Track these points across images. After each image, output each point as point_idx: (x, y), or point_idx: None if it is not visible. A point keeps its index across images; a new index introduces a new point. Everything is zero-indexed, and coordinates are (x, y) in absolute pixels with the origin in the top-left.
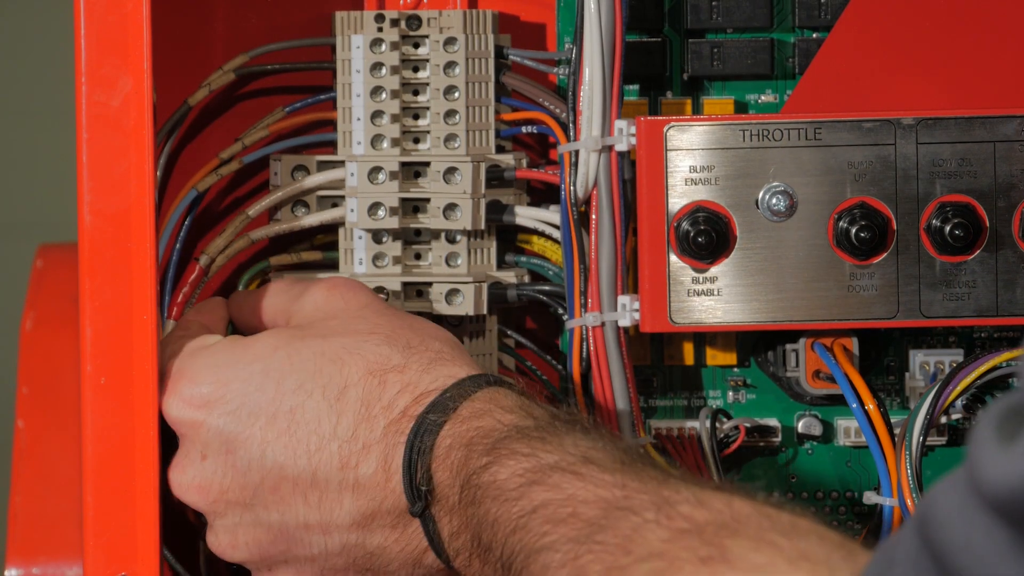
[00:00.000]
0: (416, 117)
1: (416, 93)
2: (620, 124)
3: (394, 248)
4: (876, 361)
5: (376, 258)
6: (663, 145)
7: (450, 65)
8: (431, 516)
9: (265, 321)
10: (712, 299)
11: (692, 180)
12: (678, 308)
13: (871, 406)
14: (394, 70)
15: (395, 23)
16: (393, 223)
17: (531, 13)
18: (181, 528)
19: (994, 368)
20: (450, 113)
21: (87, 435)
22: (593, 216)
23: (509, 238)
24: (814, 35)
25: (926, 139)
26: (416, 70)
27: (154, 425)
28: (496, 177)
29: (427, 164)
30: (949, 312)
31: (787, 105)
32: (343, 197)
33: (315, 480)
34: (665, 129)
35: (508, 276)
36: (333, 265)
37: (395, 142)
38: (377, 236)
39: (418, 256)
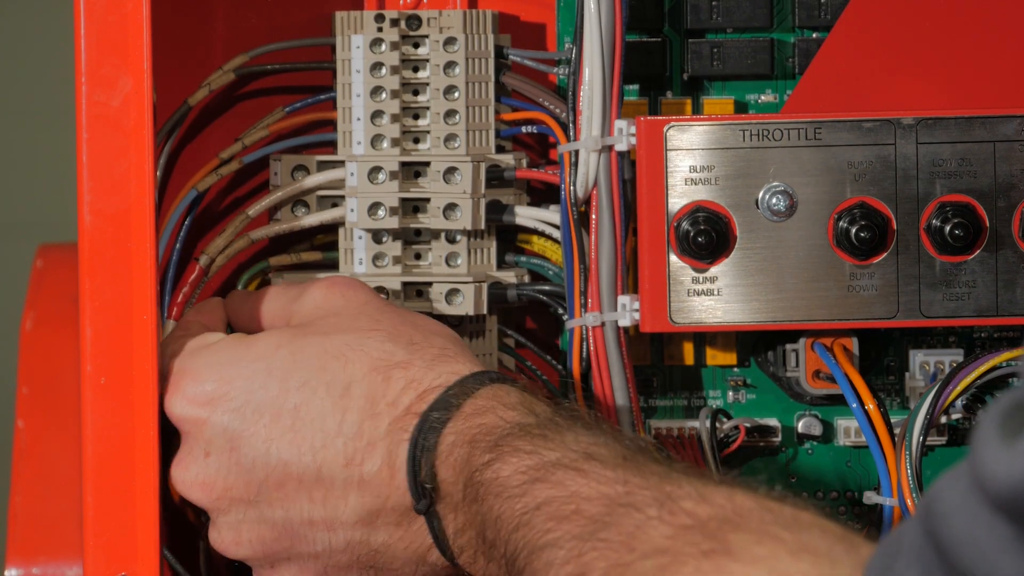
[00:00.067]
0: (416, 117)
1: (416, 93)
2: (620, 124)
3: (394, 248)
4: (876, 361)
5: (376, 258)
6: (663, 145)
7: (450, 65)
8: (435, 513)
9: (264, 325)
10: (712, 299)
11: (692, 180)
12: (678, 308)
13: (871, 406)
14: (394, 70)
15: (395, 23)
16: (393, 223)
17: (531, 13)
18: (181, 528)
19: (994, 368)
20: (450, 113)
21: (87, 435)
22: (593, 216)
23: (509, 238)
24: (814, 35)
25: (926, 139)
26: (416, 70)
27: (154, 425)
28: (496, 177)
29: (427, 164)
30: (949, 312)
31: (787, 105)
32: (343, 197)
33: (320, 477)
34: (665, 129)
35: (508, 276)
36: (333, 265)
37: (395, 142)
38: (377, 236)
39: (418, 256)
